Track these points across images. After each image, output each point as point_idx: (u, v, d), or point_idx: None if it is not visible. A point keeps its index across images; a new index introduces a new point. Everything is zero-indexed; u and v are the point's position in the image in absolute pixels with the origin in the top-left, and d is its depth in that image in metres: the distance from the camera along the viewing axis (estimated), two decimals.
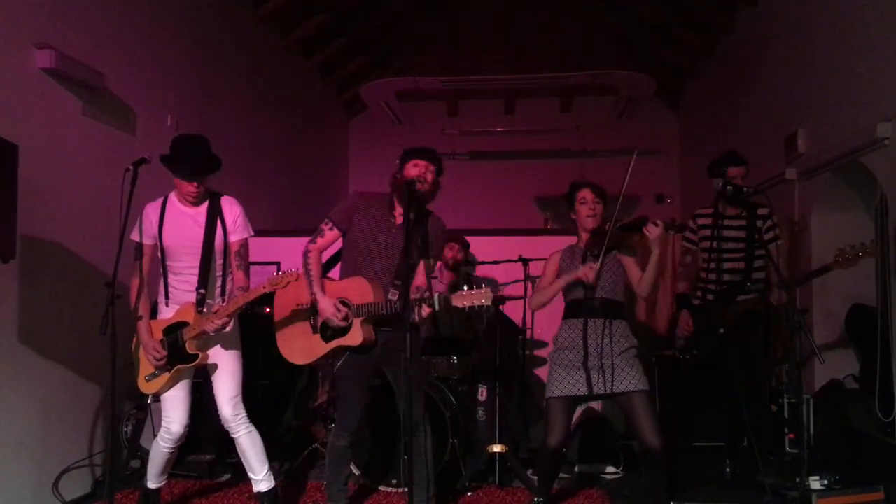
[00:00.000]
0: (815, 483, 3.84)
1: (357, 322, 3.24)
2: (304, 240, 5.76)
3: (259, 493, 3.58)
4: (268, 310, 5.09)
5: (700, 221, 4.30)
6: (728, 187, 3.86)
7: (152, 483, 3.66)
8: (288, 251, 5.65)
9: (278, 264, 5.57)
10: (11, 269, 3.63)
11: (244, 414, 3.54)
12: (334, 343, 3.31)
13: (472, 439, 4.58)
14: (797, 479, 3.78)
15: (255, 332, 5.02)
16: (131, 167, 3.33)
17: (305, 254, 3.40)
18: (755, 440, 3.85)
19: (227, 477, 4.50)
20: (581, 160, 10.04)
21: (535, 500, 3.70)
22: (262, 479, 3.56)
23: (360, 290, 3.24)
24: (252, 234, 3.63)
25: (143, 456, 4.39)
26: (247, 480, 3.64)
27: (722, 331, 4.11)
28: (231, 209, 3.55)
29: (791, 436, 4.45)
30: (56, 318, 4.01)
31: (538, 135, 10.18)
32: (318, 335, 3.38)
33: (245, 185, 6.58)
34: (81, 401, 4.22)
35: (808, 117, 5.25)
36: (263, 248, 5.60)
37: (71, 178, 4.16)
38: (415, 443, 3.37)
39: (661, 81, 8.73)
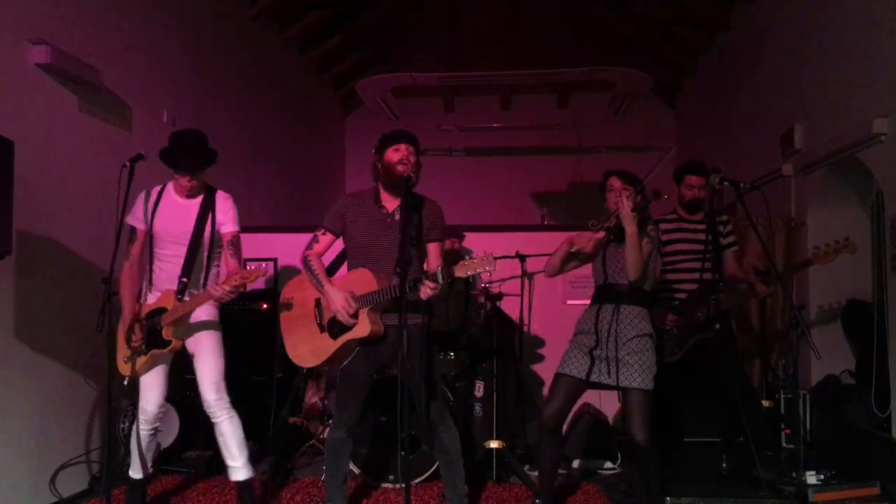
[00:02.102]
0: (811, 478, 3.86)
1: (363, 313, 3.22)
2: (301, 236, 5.80)
3: (238, 483, 3.63)
4: (265, 306, 5.12)
5: (664, 227, 4.31)
6: (725, 183, 3.86)
7: (135, 472, 3.68)
8: (285, 247, 5.65)
9: (275, 260, 5.56)
10: (7, 265, 3.61)
11: (227, 399, 3.59)
12: (343, 338, 3.28)
13: (469, 435, 4.58)
14: (793, 475, 3.80)
15: (251, 328, 5.05)
16: (128, 163, 3.35)
17: (304, 260, 3.40)
18: (751, 435, 3.86)
19: (223, 474, 4.49)
20: (578, 157, 10.05)
21: (535, 501, 3.70)
22: (241, 465, 3.61)
23: (364, 281, 3.22)
24: (239, 230, 3.69)
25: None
26: None
27: (718, 326, 4.12)
28: (223, 204, 3.65)
29: (787, 431, 4.46)
30: (52, 315, 4.00)
31: (535, 131, 10.18)
32: (325, 334, 3.35)
33: (242, 180, 6.57)
34: (78, 397, 4.21)
35: (804, 113, 5.26)
36: (260, 244, 5.60)
37: (67, 174, 4.15)
38: (438, 443, 3.40)
39: (659, 78, 8.73)
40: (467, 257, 3.02)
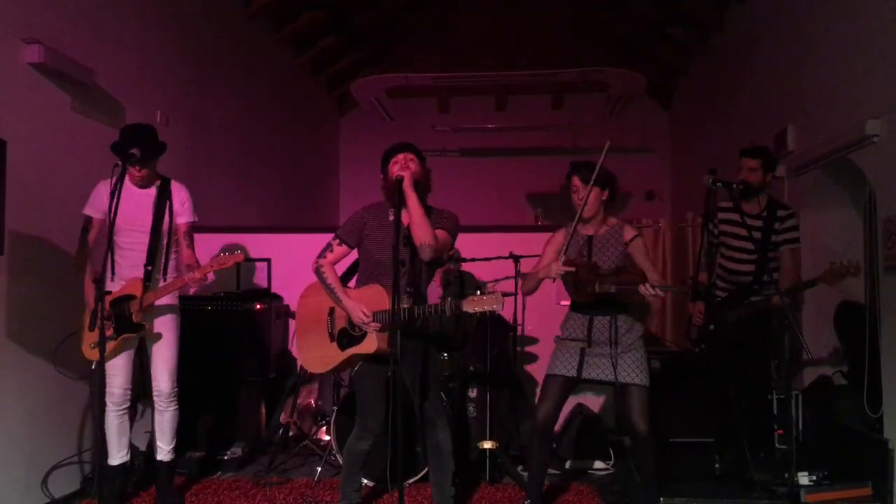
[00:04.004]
0: (803, 479, 3.87)
1: (371, 329, 3.25)
2: (297, 237, 5.82)
3: (161, 461, 3.89)
4: (258, 306, 5.11)
5: (721, 216, 4.33)
6: (718, 184, 3.86)
7: (113, 459, 3.80)
8: (279, 248, 5.65)
9: (269, 261, 5.56)
10: (0, 265, 3.61)
11: (177, 390, 3.82)
12: (350, 351, 3.33)
13: (463, 436, 4.58)
14: (786, 475, 3.81)
15: (245, 328, 5.04)
16: (119, 163, 3.38)
17: (318, 269, 3.39)
18: (746, 436, 3.87)
19: (218, 474, 4.48)
20: (572, 157, 10.04)
21: (526, 502, 3.71)
22: (169, 450, 3.89)
23: (377, 298, 3.23)
24: (196, 219, 3.87)
25: (133, 453, 4.38)
26: (238, 476, 3.64)
27: (711, 327, 4.14)
28: (179, 194, 3.83)
29: (780, 432, 4.47)
30: (45, 315, 3.99)
31: (529, 132, 10.19)
32: (334, 343, 3.39)
33: (236, 181, 6.56)
34: (70, 398, 4.20)
35: (797, 115, 5.27)
36: (255, 244, 5.59)
37: (59, 173, 4.13)
38: (433, 440, 3.42)
39: (653, 79, 8.75)
40: (478, 292, 3.08)
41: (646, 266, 3.45)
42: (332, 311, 3.42)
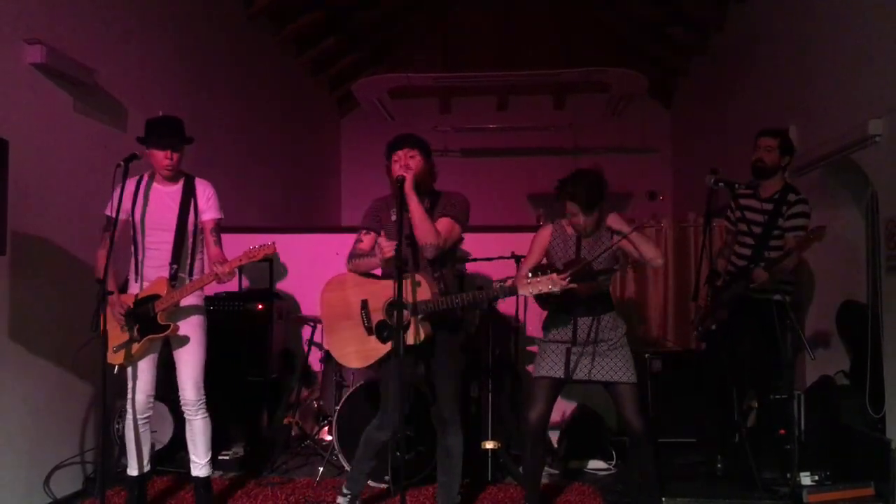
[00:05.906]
0: (805, 479, 3.87)
1: (414, 320, 3.19)
2: (297, 237, 5.81)
3: (197, 478, 3.68)
4: (260, 306, 5.11)
5: (741, 202, 4.27)
6: (720, 184, 3.86)
7: (133, 470, 3.66)
8: (280, 248, 5.62)
9: (270, 262, 5.55)
10: (1, 265, 3.61)
11: (204, 397, 3.64)
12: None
13: (465, 436, 4.57)
14: (788, 475, 3.80)
15: (246, 328, 5.04)
16: (122, 163, 3.37)
17: (350, 258, 3.42)
18: (746, 436, 3.87)
19: (218, 474, 4.48)
20: (574, 157, 10.05)
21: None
22: (204, 464, 3.68)
23: (420, 287, 3.18)
24: (222, 216, 3.73)
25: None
26: (237, 476, 3.62)
27: (714, 327, 4.15)
28: (204, 190, 3.68)
29: (782, 432, 4.47)
30: (47, 315, 3.99)
31: (531, 132, 10.19)
32: (373, 337, 3.31)
33: (236, 181, 6.55)
34: (73, 398, 4.20)
35: (799, 115, 5.27)
36: (255, 244, 5.58)
37: (62, 174, 4.13)
38: (444, 444, 3.42)
39: (654, 79, 8.75)
40: (529, 274, 3.07)
41: (623, 226, 3.43)
42: (364, 304, 3.33)
